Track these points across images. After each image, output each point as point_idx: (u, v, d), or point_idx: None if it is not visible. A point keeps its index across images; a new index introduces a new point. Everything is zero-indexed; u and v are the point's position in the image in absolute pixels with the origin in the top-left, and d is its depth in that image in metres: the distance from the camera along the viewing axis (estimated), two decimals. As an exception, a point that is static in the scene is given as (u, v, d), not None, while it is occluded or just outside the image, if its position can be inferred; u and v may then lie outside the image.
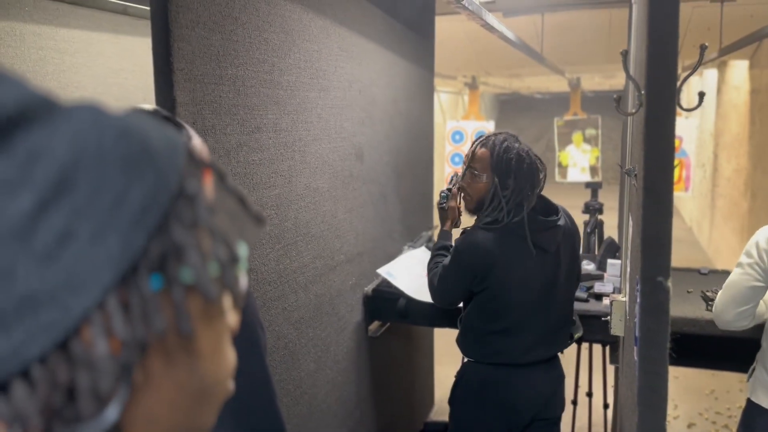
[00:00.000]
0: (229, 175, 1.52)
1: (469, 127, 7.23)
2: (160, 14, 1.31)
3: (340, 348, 2.34)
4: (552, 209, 2.09)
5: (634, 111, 1.35)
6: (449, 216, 2.27)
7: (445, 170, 7.10)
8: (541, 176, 2.02)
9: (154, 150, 0.34)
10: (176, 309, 0.34)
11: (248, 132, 1.65)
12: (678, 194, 6.75)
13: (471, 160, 2.06)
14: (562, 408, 2.19)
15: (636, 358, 0.98)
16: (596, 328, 2.37)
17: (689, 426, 3.84)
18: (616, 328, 1.96)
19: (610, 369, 3.12)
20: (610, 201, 4.08)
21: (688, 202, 10.67)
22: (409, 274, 2.67)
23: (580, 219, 3.63)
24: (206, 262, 0.35)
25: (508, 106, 18.18)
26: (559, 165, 8.41)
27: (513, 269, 1.98)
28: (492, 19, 3.08)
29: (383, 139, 2.76)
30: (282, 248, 1.85)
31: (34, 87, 0.33)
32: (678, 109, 0.91)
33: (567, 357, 3.01)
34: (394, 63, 2.90)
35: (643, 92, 1.00)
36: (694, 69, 1.33)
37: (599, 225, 3.53)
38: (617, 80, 10.44)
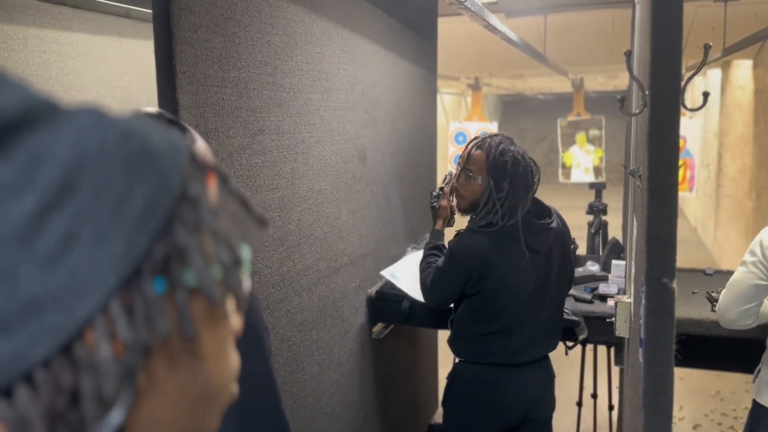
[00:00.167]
0: (232, 178, 1.52)
1: (472, 129, 7.23)
2: (162, 17, 1.32)
3: (343, 350, 2.33)
4: (545, 212, 2.10)
5: (638, 111, 1.34)
6: (441, 215, 2.28)
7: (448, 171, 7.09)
8: (536, 179, 2.02)
9: (156, 152, 0.34)
10: (180, 312, 0.34)
11: (251, 134, 1.65)
12: (682, 194, 6.73)
13: (466, 161, 2.07)
14: (552, 408, 2.22)
15: (641, 359, 0.97)
16: (601, 330, 2.37)
17: (695, 427, 3.82)
18: (621, 330, 1.95)
19: (615, 370, 3.11)
20: (614, 202, 4.07)
21: (693, 203, 10.64)
22: (413, 275, 2.66)
23: (583, 220, 3.62)
24: (209, 264, 0.35)
25: (511, 107, 18.17)
26: (563, 166, 8.40)
27: (507, 272, 2.00)
28: (494, 20, 3.08)
29: (386, 140, 2.76)
30: (285, 250, 1.85)
31: (35, 90, 0.33)
32: (682, 109, 0.91)
33: (572, 358, 3.00)
34: (397, 64, 2.90)
35: (647, 92, 1.00)
36: (698, 69, 1.33)
37: (603, 226, 3.52)
38: (621, 80, 10.42)
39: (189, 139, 1.06)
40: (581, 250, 3.28)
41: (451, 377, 2.17)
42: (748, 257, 1.94)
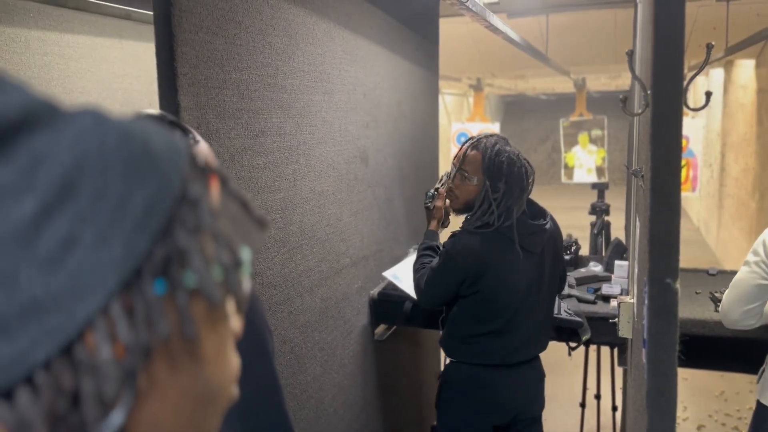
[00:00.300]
0: (232, 179, 1.52)
1: (474, 129, 7.23)
2: (163, 19, 1.31)
3: (346, 351, 2.33)
4: (539, 213, 2.11)
5: (640, 111, 1.34)
6: (435, 216, 2.28)
7: (451, 172, 7.09)
8: (530, 180, 2.02)
9: (156, 154, 0.34)
10: (180, 313, 0.34)
11: (252, 136, 1.65)
12: (685, 194, 6.72)
13: (462, 162, 2.07)
14: (542, 407, 2.23)
15: (644, 360, 0.97)
16: (604, 330, 2.36)
17: (699, 428, 3.81)
18: (624, 330, 1.94)
19: (618, 371, 3.10)
20: (616, 202, 4.07)
21: (696, 203, 10.62)
22: (415, 276, 2.66)
23: (586, 220, 3.61)
24: (210, 266, 0.35)
25: (513, 107, 18.16)
26: (566, 166, 8.39)
27: (503, 272, 2.00)
28: (496, 20, 3.08)
29: (388, 141, 2.76)
30: (287, 252, 1.85)
31: (36, 92, 0.33)
32: (684, 109, 0.90)
33: (575, 359, 3.00)
34: (399, 65, 2.90)
35: (649, 92, 1.00)
36: (701, 68, 1.32)
37: (606, 226, 3.51)
38: (623, 80, 10.41)
39: (191, 140, 1.06)
40: (584, 250, 3.27)
41: (444, 378, 2.17)
42: (751, 257, 1.94)
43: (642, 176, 1.32)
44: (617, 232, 3.57)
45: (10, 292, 0.29)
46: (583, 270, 2.92)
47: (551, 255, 2.11)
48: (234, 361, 0.41)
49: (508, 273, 2.00)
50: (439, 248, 2.23)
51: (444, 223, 2.31)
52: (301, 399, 1.96)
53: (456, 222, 2.21)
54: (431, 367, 3.62)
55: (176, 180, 0.34)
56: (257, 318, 1.10)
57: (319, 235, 2.07)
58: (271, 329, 1.17)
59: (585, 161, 8.32)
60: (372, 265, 2.59)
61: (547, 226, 2.07)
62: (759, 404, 2.04)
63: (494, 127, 7.35)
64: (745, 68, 7.09)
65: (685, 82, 0.90)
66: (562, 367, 4.40)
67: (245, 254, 0.38)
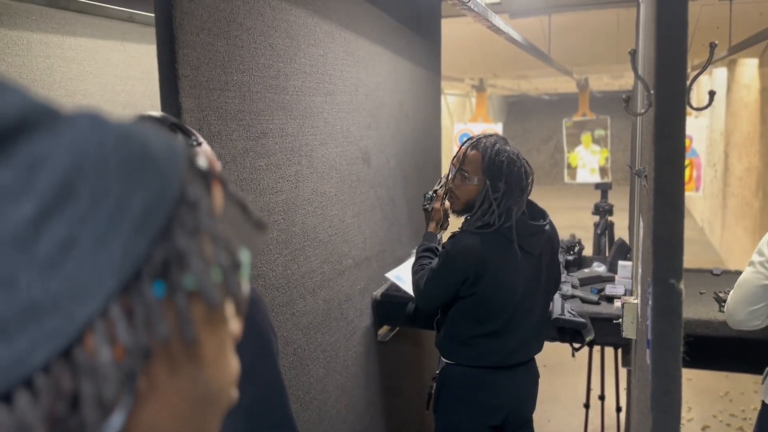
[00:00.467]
0: (231, 181, 1.52)
1: (476, 130, 7.22)
2: (164, 21, 1.31)
3: (349, 353, 2.33)
4: (539, 213, 2.10)
5: (643, 111, 1.34)
6: (434, 217, 2.28)
7: (454, 173, 7.09)
8: (530, 180, 2.02)
9: (154, 156, 0.34)
10: (179, 316, 0.34)
11: (254, 137, 1.65)
12: (689, 194, 6.71)
13: (462, 162, 2.06)
14: (533, 408, 2.23)
15: (648, 361, 0.96)
16: (608, 331, 2.36)
17: (703, 429, 3.80)
18: (628, 331, 1.94)
19: (623, 372, 3.09)
20: (620, 202, 4.06)
21: (699, 202, 10.60)
22: (418, 277, 2.66)
23: (589, 220, 3.61)
24: (209, 268, 0.35)
25: (516, 107, 18.15)
26: (569, 166, 8.38)
27: (502, 273, 2.00)
28: (498, 20, 3.08)
29: (390, 142, 2.76)
30: (290, 253, 1.85)
31: (34, 95, 0.33)
32: (688, 109, 0.90)
33: (579, 360, 2.99)
34: (401, 66, 2.89)
35: (652, 92, 0.99)
36: (704, 67, 1.32)
37: (609, 226, 3.50)
38: (626, 80, 10.40)
39: (194, 142, 1.06)
40: (587, 250, 3.26)
41: (441, 380, 2.16)
42: (756, 257, 1.93)
43: (645, 176, 1.31)
44: (621, 232, 3.57)
45: (9, 295, 0.29)
46: (586, 270, 2.92)
47: (548, 257, 2.11)
48: (233, 364, 0.41)
49: (508, 274, 2.00)
50: (437, 250, 2.23)
51: (443, 225, 2.31)
52: (305, 401, 1.95)
53: (455, 224, 2.20)
54: (434, 368, 3.62)
55: (175, 182, 0.34)
56: (261, 319, 1.10)
57: (322, 236, 2.07)
58: (275, 330, 1.17)
59: (588, 161, 8.30)
60: (375, 266, 2.59)
61: (547, 227, 2.07)
62: (764, 405, 2.03)
63: (497, 128, 7.33)
64: (749, 67, 7.08)
65: (688, 82, 0.89)
66: (566, 368, 4.39)
67: (244, 256, 0.38)
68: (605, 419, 3.24)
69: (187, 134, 1.06)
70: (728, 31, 4.53)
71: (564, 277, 2.69)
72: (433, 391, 2.22)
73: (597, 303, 2.50)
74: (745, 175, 7.04)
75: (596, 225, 3.50)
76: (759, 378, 2.12)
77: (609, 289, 2.57)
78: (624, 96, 1.50)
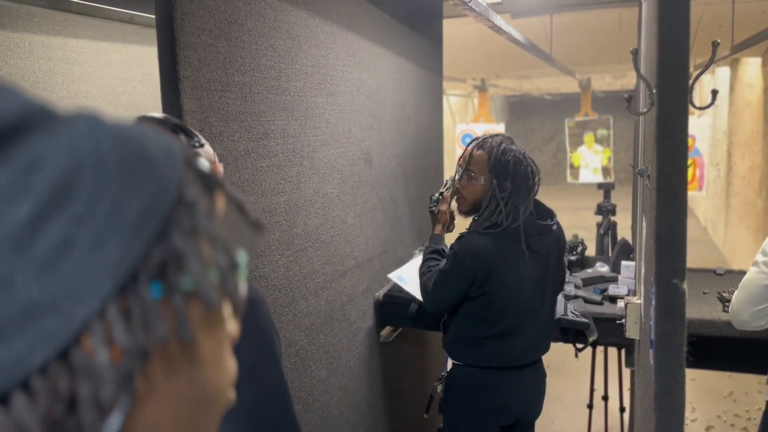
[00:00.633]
0: (229, 182, 1.52)
1: (479, 130, 7.22)
2: (165, 22, 1.31)
3: (351, 354, 2.32)
4: (547, 213, 2.10)
5: (645, 110, 1.33)
6: (440, 220, 2.27)
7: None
8: (536, 179, 2.01)
9: (152, 157, 0.34)
10: (177, 316, 0.34)
11: (256, 138, 1.65)
12: (692, 194, 6.69)
13: (468, 162, 2.06)
14: (541, 409, 2.22)
15: (652, 361, 0.96)
16: (611, 331, 2.35)
17: (707, 429, 3.79)
18: (631, 331, 1.93)
19: (626, 372, 3.08)
20: (623, 202, 4.05)
21: (702, 202, 10.57)
22: (421, 278, 2.66)
23: (592, 220, 3.60)
24: (206, 269, 0.35)
25: (518, 107, 18.14)
26: (571, 166, 8.37)
27: (511, 273, 1.99)
28: (500, 20, 3.07)
29: (392, 143, 2.76)
30: (292, 254, 1.85)
31: (32, 96, 0.33)
32: (690, 108, 0.89)
33: (582, 361, 2.98)
34: (402, 66, 2.89)
35: (654, 91, 0.99)
36: (706, 66, 1.31)
37: (612, 226, 3.50)
38: (628, 80, 10.38)
39: (196, 143, 1.06)
40: (590, 251, 3.26)
41: (450, 382, 2.15)
42: (759, 257, 1.92)
43: (648, 176, 1.31)
44: (623, 232, 3.56)
45: (6, 296, 0.29)
46: (589, 270, 2.91)
47: (555, 257, 2.11)
48: (231, 365, 0.41)
49: (516, 274, 1.99)
50: (444, 252, 2.22)
51: (449, 227, 2.30)
52: (307, 402, 1.95)
53: (461, 225, 2.19)
54: (437, 369, 3.61)
55: (172, 183, 0.34)
56: (263, 320, 1.10)
57: (324, 237, 2.07)
58: (278, 331, 1.17)
59: (591, 161, 8.29)
60: (377, 266, 2.59)
61: (554, 227, 2.07)
62: (768, 405, 2.02)
63: (499, 128, 7.33)
64: (752, 66, 7.06)
65: (690, 81, 0.89)
66: (569, 368, 4.38)
67: (242, 257, 0.38)
68: (609, 420, 3.24)
69: (190, 135, 1.06)
70: (731, 30, 4.52)
71: (567, 277, 2.68)
72: (435, 394, 2.21)
73: (600, 303, 2.49)
74: (748, 174, 7.02)
75: (599, 225, 3.50)
76: (763, 378, 2.11)
77: (612, 290, 2.56)
78: (626, 95, 1.50)
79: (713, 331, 2.34)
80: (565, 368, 4.45)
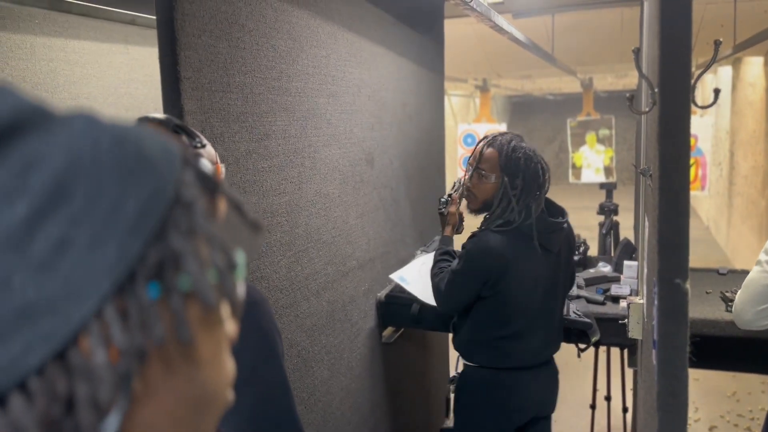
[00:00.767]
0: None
1: (480, 130, 7.21)
2: (166, 23, 1.31)
3: (353, 355, 2.32)
4: (558, 211, 2.09)
5: (647, 110, 1.33)
6: (450, 221, 2.26)
7: (458, 173, 7.08)
8: (547, 177, 2.01)
9: (149, 157, 0.34)
10: (175, 317, 0.34)
11: (257, 139, 1.65)
12: (694, 193, 6.68)
13: (478, 161, 2.05)
14: (554, 406, 2.22)
15: (655, 361, 0.95)
16: (614, 331, 2.34)
17: (710, 429, 3.78)
18: (634, 331, 1.93)
19: (629, 372, 3.07)
20: (625, 202, 4.04)
21: (705, 202, 10.56)
22: (422, 278, 2.65)
23: (594, 220, 3.59)
24: (204, 269, 0.35)
25: (520, 107, 18.13)
26: (573, 166, 8.36)
27: (524, 272, 1.98)
28: (501, 20, 3.07)
29: (394, 143, 2.75)
30: (293, 255, 1.84)
31: (28, 96, 0.33)
32: (692, 107, 0.89)
33: (585, 361, 2.98)
34: (404, 67, 2.89)
35: (656, 90, 0.98)
36: (708, 65, 1.31)
37: (615, 226, 3.49)
38: (630, 79, 10.37)
39: (198, 144, 1.06)
40: (592, 250, 3.25)
41: (462, 383, 2.14)
42: (763, 256, 1.91)
43: (650, 175, 1.30)
44: (626, 231, 3.55)
45: (3, 297, 0.29)
46: (591, 270, 2.90)
47: (566, 254, 2.10)
48: (229, 365, 0.41)
49: (530, 273, 1.98)
50: (455, 253, 2.20)
51: (458, 229, 2.29)
52: (309, 403, 1.95)
53: (470, 226, 2.18)
54: (440, 369, 3.61)
55: (170, 183, 0.34)
56: (266, 320, 1.10)
57: (325, 237, 2.07)
58: (280, 331, 1.16)
59: (593, 161, 8.29)
60: (379, 267, 2.59)
61: (565, 225, 2.06)
62: (772, 405, 2.01)
63: (501, 128, 7.33)
64: (754, 66, 7.05)
65: (692, 80, 0.88)
66: (572, 368, 4.37)
67: (240, 257, 0.38)
68: (611, 420, 3.23)
69: (191, 136, 1.06)
70: (733, 29, 4.51)
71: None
72: (450, 396, 2.19)
73: (602, 303, 2.48)
74: (751, 173, 7.01)
75: (601, 225, 3.49)
76: (767, 378, 2.10)
77: (614, 290, 2.56)
78: (628, 95, 1.49)
79: (716, 331, 2.33)
80: (568, 368, 4.43)
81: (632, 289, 2.57)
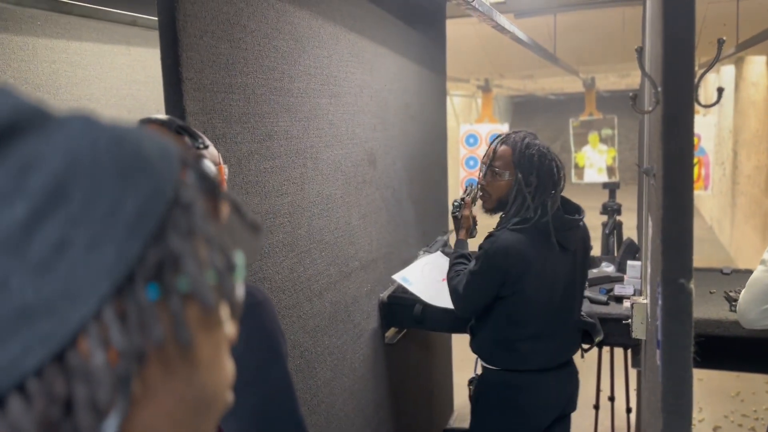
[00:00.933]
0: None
1: (483, 130, 7.21)
2: (167, 24, 1.31)
3: (356, 355, 2.32)
4: (575, 208, 2.07)
5: (650, 109, 1.32)
6: (463, 225, 2.24)
7: (460, 174, 7.08)
8: (562, 174, 1.99)
9: (148, 158, 0.34)
10: (174, 318, 0.34)
11: (259, 140, 1.65)
12: (697, 193, 6.67)
13: (492, 159, 2.03)
14: (576, 404, 2.21)
15: (659, 362, 0.95)
16: (617, 332, 2.34)
17: (715, 429, 3.76)
18: (638, 331, 1.92)
19: (632, 372, 3.07)
20: (628, 201, 4.04)
21: (708, 201, 10.53)
22: (425, 279, 2.65)
23: (597, 220, 3.59)
24: (203, 270, 0.35)
25: (522, 108, 18.12)
26: (576, 166, 8.35)
27: (543, 271, 1.95)
28: (503, 20, 3.07)
29: (396, 143, 2.75)
30: (296, 256, 1.84)
31: (26, 97, 0.33)
32: (696, 106, 0.89)
33: (588, 361, 2.97)
34: (406, 67, 2.89)
35: (659, 89, 0.98)
36: (712, 63, 1.30)
37: (618, 226, 3.48)
38: (632, 79, 10.36)
39: (200, 145, 1.05)
40: (595, 250, 3.24)
41: (482, 386, 2.10)
42: (766, 255, 1.91)
43: (654, 175, 1.30)
44: (629, 231, 3.54)
45: (1, 298, 0.29)
46: (595, 270, 2.90)
47: (582, 253, 2.08)
48: (229, 367, 0.41)
49: (549, 271, 1.96)
50: (470, 256, 2.16)
51: (472, 233, 2.26)
52: (312, 404, 1.95)
53: (483, 224, 2.17)
54: (443, 370, 3.61)
55: (169, 184, 0.34)
56: (269, 321, 1.09)
57: (328, 238, 2.06)
58: (284, 332, 1.16)
59: (595, 161, 8.28)
60: (381, 268, 2.58)
61: (581, 222, 2.04)
62: (776, 405, 2.00)
63: (503, 128, 7.32)
64: (756, 65, 7.03)
65: (695, 79, 0.88)
66: (575, 368, 4.36)
67: (239, 258, 0.38)
68: (615, 420, 3.22)
69: (194, 137, 1.05)
70: (735, 28, 4.50)
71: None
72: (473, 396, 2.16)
73: (606, 303, 2.48)
74: (754, 173, 6.99)
75: (604, 225, 3.48)
76: (771, 378, 2.09)
77: (618, 290, 2.55)
78: (631, 94, 1.49)
79: (720, 331, 2.32)
80: (571, 369, 4.43)
81: (636, 289, 2.56)
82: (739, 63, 8.01)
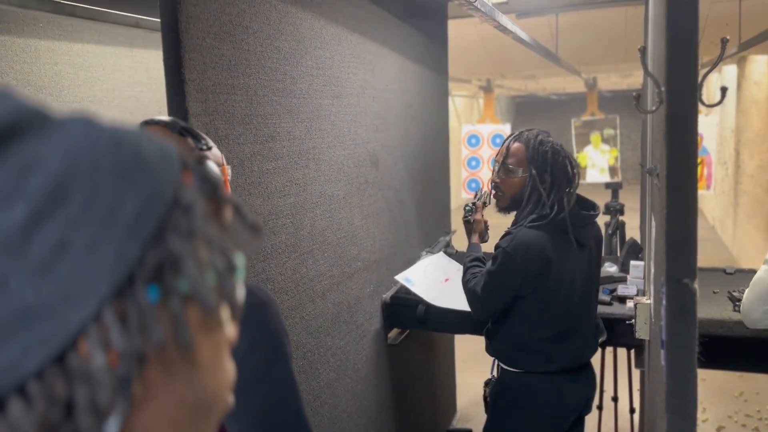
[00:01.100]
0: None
1: (484, 131, 7.20)
2: (170, 25, 1.31)
3: (359, 356, 2.32)
4: (590, 204, 2.06)
5: (654, 108, 1.32)
6: (476, 229, 2.22)
7: (462, 174, 7.07)
8: (576, 171, 1.98)
9: (147, 159, 0.34)
10: (174, 320, 0.34)
11: (262, 141, 1.65)
12: (700, 193, 6.63)
13: (505, 156, 2.02)
14: (591, 407, 2.18)
15: (663, 362, 0.95)
16: (620, 332, 2.33)
17: (718, 429, 3.75)
18: (641, 332, 1.92)
19: (636, 373, 3.06)
20: (630, 201, 4.03)
21: (711, 201, 10.52)
22: (428, 279, 2.65)
23: (600, 220, 3.58)
24: (203, 271, 0.35)
25: (524, 108, 18.10)
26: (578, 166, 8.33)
27: (563, 268, 1.93)
28: (505, 20, 3.06)
29: (398, 144, 2.75)
30: (298, 257, 1.84)
31: (26, 99, 0.33)
32: (699, 106, 0.88)
33: (592, 361, 2.97)
34: (408, 68, 2.89)
35: (663, 89, 0.98)
36: (716, 63, 1.30)
37: (621, 226, 3.47)
38: (634, 79, 10.35)
39: (204, 146, 1.05)
40: (598, 250, 3.24)
41: (502, 388, 2.07)
42: (770, 255, 1.90)
43: (657, 174, 1.29)
44: (632, 231, 3.54)
45: (1, 300, 0.29)
46: (597, 271, 2.89)
47: (596, 251, 2.07)
48: (229, 368, 0.41)
49: (568, 269, 1.94)
50: (484, 259, 2.12)
51: (484, 237, 2.24)
52: (315, 405, 1.95)
53: (495, 225, 2.15)
54: (446, 371, 3.60)
55: (168, 185, 0.34)
56: (273, 321, 1.09)
57: (330, 239, 2.06)
58: (287, 333, 1.16)
59: (597, 161, 8.26)
60: (384, 268, 2.58)
61: (596, 218, 2.04)
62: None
63: (505, 129, 7.31)
64: (759, 64, 7.02)
65: (699, 78, 0.88)
66: (578, 369, 4.35)
67: (239, 259, 0.38)
68: (618, 421, 3.21)
69: (197, 138, 1.05)
70: (738, 28, 4.49)
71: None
72: (488, 398, 2.13)
73: (609, 304, 2.47)
74: (757, 172, 6.97)
75: (607, 225, 3.48)
76: (775, 378, 2.09)
77: (621, 290, 2.55)
78: (634, 93, 1.48)
79: (724, 331, 2.32)
80: (574, 369, 4.42)
81: (639, 289, 2.55)
82: (741, 62, 8.00)
